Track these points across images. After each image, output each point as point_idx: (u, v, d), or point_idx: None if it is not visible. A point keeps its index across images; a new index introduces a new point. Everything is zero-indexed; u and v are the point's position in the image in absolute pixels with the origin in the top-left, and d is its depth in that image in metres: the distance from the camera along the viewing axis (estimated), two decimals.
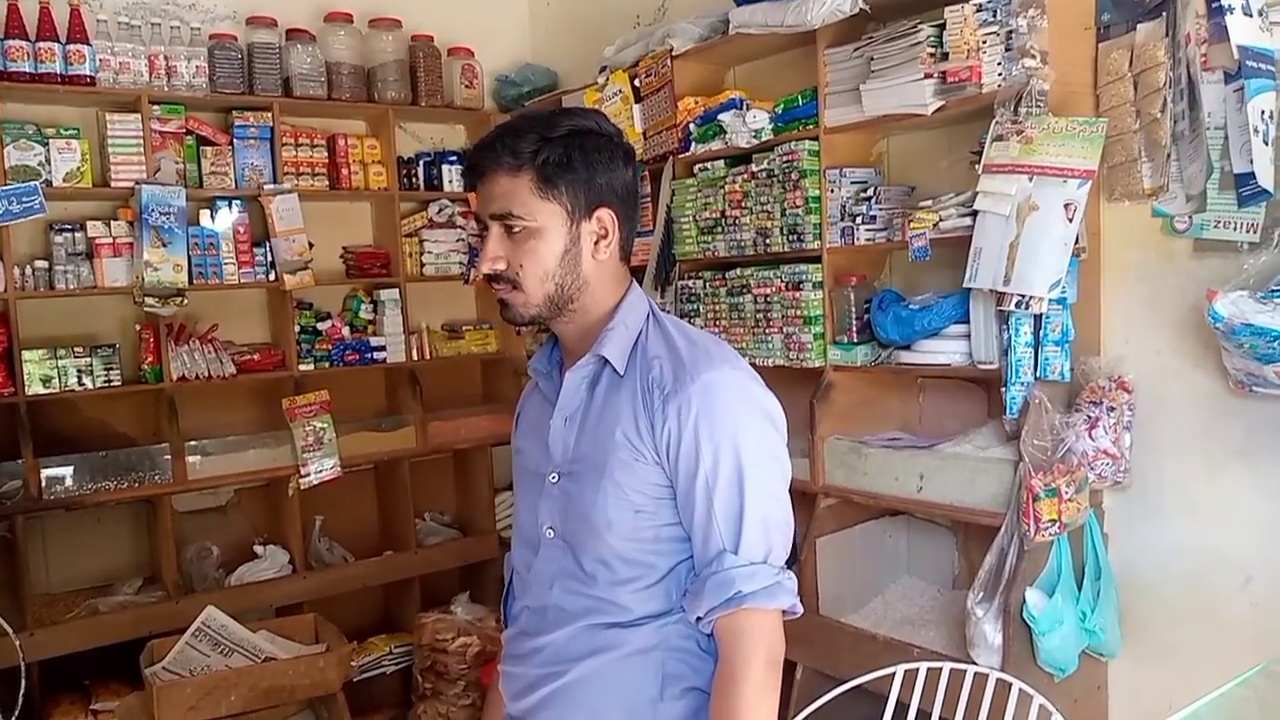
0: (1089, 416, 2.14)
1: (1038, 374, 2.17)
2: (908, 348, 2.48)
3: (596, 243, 1.26)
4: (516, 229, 1.22)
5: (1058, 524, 2.09)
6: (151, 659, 2.80)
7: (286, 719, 2.84)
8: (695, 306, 2.97)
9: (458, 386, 4.04)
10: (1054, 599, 2.12)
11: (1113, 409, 2.15)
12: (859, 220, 2.54)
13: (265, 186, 3.39)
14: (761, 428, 1.21)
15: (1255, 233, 1.98)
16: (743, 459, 1.17)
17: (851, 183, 2.58)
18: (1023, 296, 2.10)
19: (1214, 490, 2.13)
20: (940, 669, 1.85)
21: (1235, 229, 2.02)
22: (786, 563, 1.21)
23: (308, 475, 3.40)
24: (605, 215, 1.25)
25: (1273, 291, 1.86)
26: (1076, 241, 2.08)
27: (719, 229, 2.88)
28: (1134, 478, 2.21)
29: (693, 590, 1.20)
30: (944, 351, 2.40)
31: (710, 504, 1.17)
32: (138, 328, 3.25)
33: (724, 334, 2.87)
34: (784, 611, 1.19)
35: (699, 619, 1.18)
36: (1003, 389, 2.20)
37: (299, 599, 3.41)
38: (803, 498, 2.79)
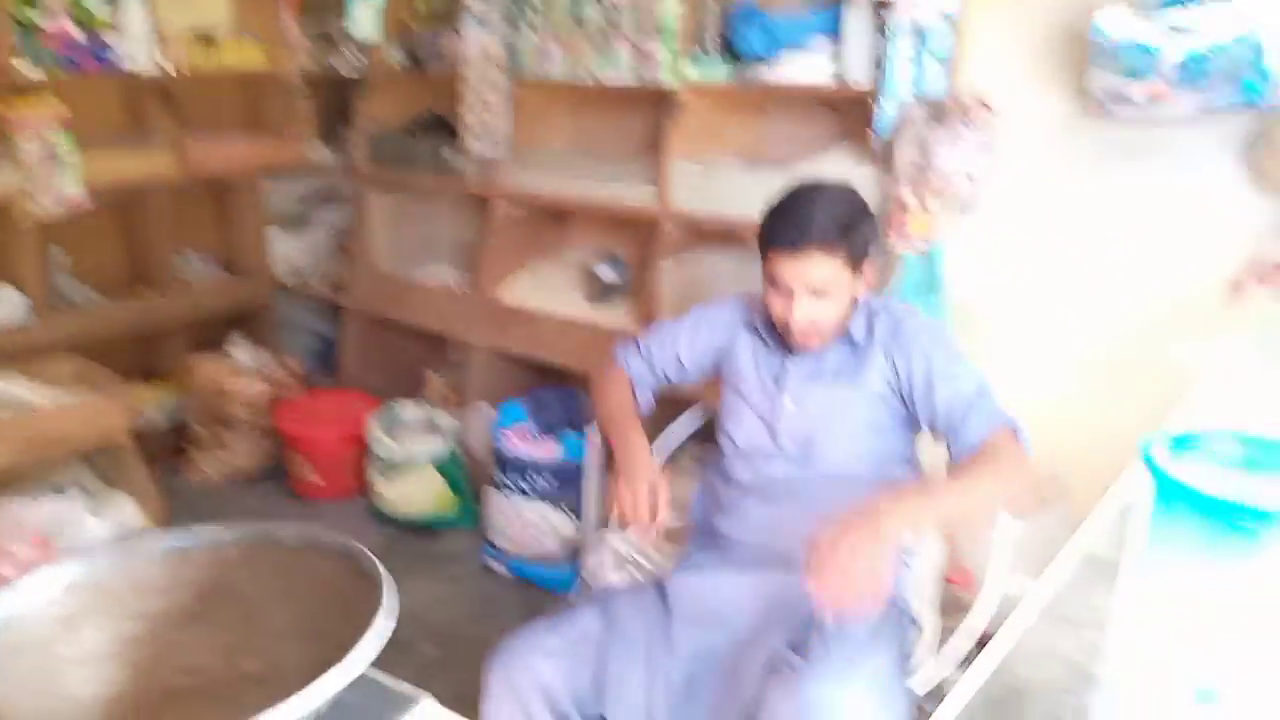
0: (955, 135, 2.16)
1: (915, 90, 2.14)
2: (767, 65, 2.37)
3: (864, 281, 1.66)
4: (825, 295, 1.59)
5: (920, 239, 2.14)
6: None
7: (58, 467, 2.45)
8: (523, 12, 2.66)
9: (217, 110, 3.49)
10: None
11: (976, 129, 2.17)
12: None
13: None
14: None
15: None
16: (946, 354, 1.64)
17: None
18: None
19: (1053, 214, 2.23)
20: None
21: None
22: None
23: (44, 203, 2.82)
24: (867, 267, 1.63)
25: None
26: None
27: None
28: (979, 201, 2.27)
29: (953, 430, 1.58)
30: (809, 69, 2.31)
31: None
32: None
33: (562, 48, 2.61)
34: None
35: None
36: (875, 104, 2.16)
37: (43, 347, 2.90)
38: (641, 225, 2.69)
